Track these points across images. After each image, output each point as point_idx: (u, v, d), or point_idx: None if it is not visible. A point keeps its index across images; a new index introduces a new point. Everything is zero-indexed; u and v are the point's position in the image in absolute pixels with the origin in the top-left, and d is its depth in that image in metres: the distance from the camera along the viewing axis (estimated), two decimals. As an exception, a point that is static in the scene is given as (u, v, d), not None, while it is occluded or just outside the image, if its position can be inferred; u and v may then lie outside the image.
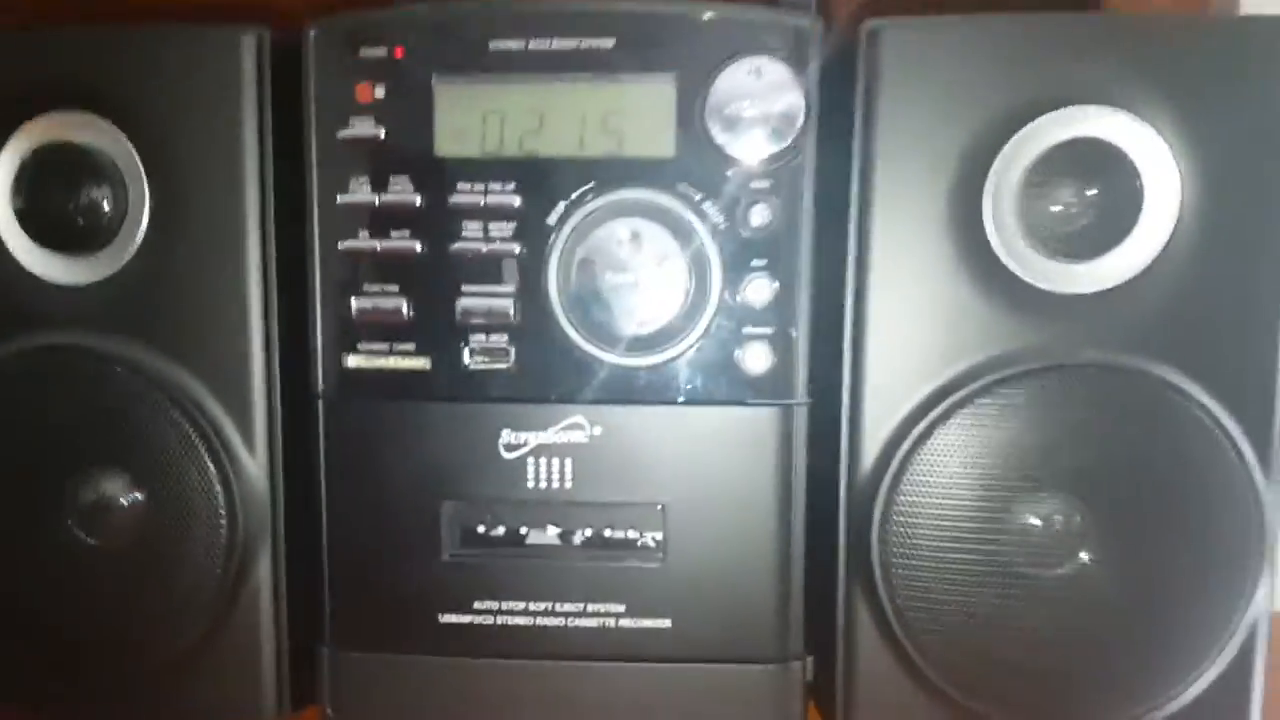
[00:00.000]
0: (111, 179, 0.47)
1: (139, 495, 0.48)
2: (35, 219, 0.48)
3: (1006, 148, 0.42)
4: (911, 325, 0.44)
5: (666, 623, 0.47)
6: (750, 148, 0.44)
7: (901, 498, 0.44)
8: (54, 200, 0.47)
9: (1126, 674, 0.45)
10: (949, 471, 0.44)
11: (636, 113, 0.45)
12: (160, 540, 0.48)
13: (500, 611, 0.48)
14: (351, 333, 0.47)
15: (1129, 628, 0.44)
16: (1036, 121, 0.42)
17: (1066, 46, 0.42)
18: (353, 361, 0.47)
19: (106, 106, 0.47)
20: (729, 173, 0.44)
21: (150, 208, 0.47)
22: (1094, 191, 0.42)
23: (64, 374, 0.48)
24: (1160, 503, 0.43)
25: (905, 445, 0.44)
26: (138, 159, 0.47)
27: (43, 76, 0.47)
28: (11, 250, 0.48)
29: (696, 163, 0.45)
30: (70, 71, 0.47)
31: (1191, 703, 0.45)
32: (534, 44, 0.45)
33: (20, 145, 0.47)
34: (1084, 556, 0.44)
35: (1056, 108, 0.42)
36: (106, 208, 0.47)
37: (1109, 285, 0.43)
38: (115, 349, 0.48)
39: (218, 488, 0.47)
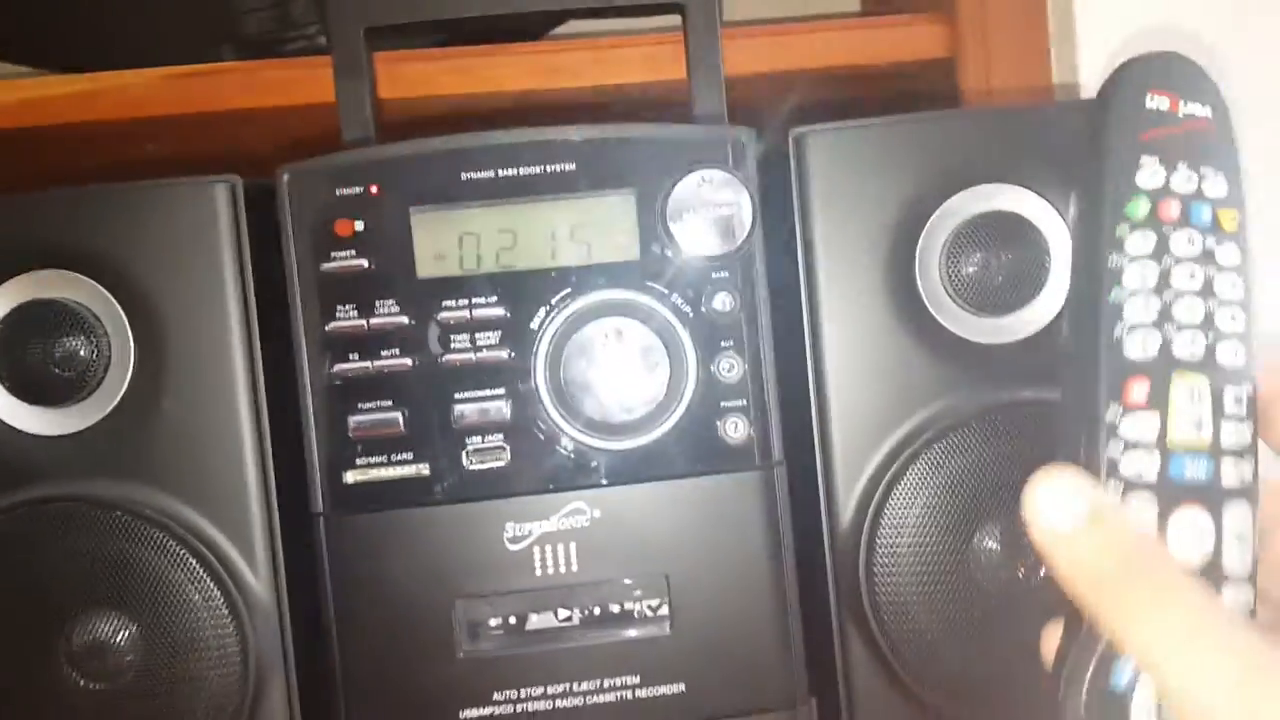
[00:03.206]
0: (94, 330, 0.48)
1: (149, 634, 0.48)
2: (17, 375, 0.48)
3: (929, 223, 0.49)
4: (867, 383, 0.50)
5: (680, 687, 0.50)
6: (708, 245, 0.49)
7: (881, 539, 0.49)
8: (37, 356, 0.48)
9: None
10: (919, 511, 0.49)
11: (602, 224, 0.50)
12: (176, 675, 0.48)
13: (520, 700, 0.50)
14: (349, 449, 0.49)
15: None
16: (949, 201, 0.49)
17: (964, 135, 0.50)
18: (351, 477, 0.49)
19: (86, 263, 0.48)
20: (690, 268, 0.50)
21: (135, 354, 0.49)
22: (1007, 255, 0.49)
23: (60, 524, 0.48)
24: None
25: (878, 492, 0.50)
26: (120, 309, 0.49)
27: (20, 238, 0.48)
28: (-6, 409, 0.48)
29: (660, 262, 0.50)
30: (47, 232, 0.48)
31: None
32: (502, 172, 0.50)
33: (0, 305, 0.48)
34: (1038, 571, 0.50)
35: (965, 188, 0.49)
36: (90, 358, 0.48)
37: (1029, 333, 0.50)
38: (110, 493, 0.48)
39: (226, 615, 0.48)
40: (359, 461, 0.49)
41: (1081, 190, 0.33)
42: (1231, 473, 0.31)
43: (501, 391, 0.49)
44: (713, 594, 0.50)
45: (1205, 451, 0.31)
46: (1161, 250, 0.31)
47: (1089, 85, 0.57)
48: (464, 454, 0.49)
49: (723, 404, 0.50)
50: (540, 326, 0.49)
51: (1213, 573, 0.30)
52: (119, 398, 0.49)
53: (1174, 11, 0.59)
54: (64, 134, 0.61)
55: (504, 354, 0.49)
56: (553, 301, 0.49)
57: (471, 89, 0.61)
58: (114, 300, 0.48)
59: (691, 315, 0.50)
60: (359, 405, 0.49)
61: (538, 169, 0.50)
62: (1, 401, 0.48)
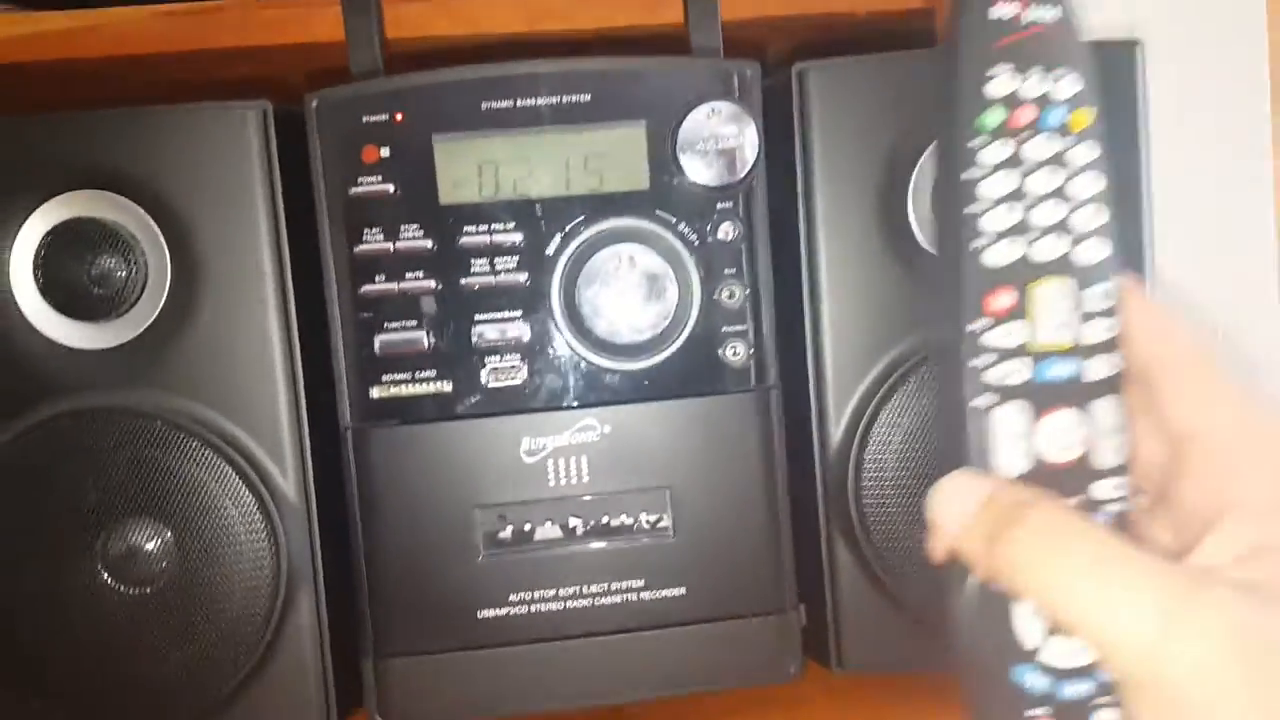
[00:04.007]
0: (132, 249, 0.51)
1: (185, 538, 0.51)
2: (60, 292, 0.51)
3: (923, 158, 0.52)
4: (859, 310, 0.53)
5: (681, 590, 0.54)
6: (715, 176, 0.52)
7: (869, 457, 0.53)
8: (77, 273, 0.51)
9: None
10: (904, 430, 0.53)
11: (614, 154, 0.52)
12: (211, 576, 0.51)
13: (534, 601, 0.53)
14: (375, 366, 0.52)
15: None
16: (942, 137, 0.52)
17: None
18: (377, 392, 0.52)
19: (123, 184, 0.51)
20: (698, 198, 0.53)
21: (171, 271, 0.51)
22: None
23: (99, 432, 0.51)
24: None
25: (867, 413, 0.53)
26: (157, 229, 0.51)
27: (61, 158, 0.50)
28: (37, 324, 0.51)
29: (669, 192, 0.52)
30: (87, 152, 0.50)
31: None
32: (520, 102, 0.52)
33: (42, 223, 0.50)
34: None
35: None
36: (128, 275, 0.51)
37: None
38: (148, 404, 0.51)
39: (259, 518, 0.51)
40: (385, 378, 0.52)
41: (937, 111, 0.32)
42: (1099, 368, 0.32)
43: (519, 313, 0.52)
44: (712, 506, 0.54)
45: (1071, 352, 0.31)
46: (1016, 159, 0.31)
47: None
48: (483, 372, 0.52)
49: (724, 329, 0.53)
50: (555, 252, 0.52)
51: (1089, 468, 0.31)
52: (156, 313, 0.51)
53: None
54: (55, 70, 0.62)
55: (521, 278, 0.52)
56: (567, 228, 0.52)
57: (462, 30, 0.63)
58: (150, 220, 0.51)
59: (697, 243, 0.53)
60: (385, 325, 0.52)
61: (554, 100, 0.52)
62: (43, 316, 0.51)
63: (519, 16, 0.63)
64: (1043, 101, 0.32)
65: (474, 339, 0.52)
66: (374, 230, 0.52)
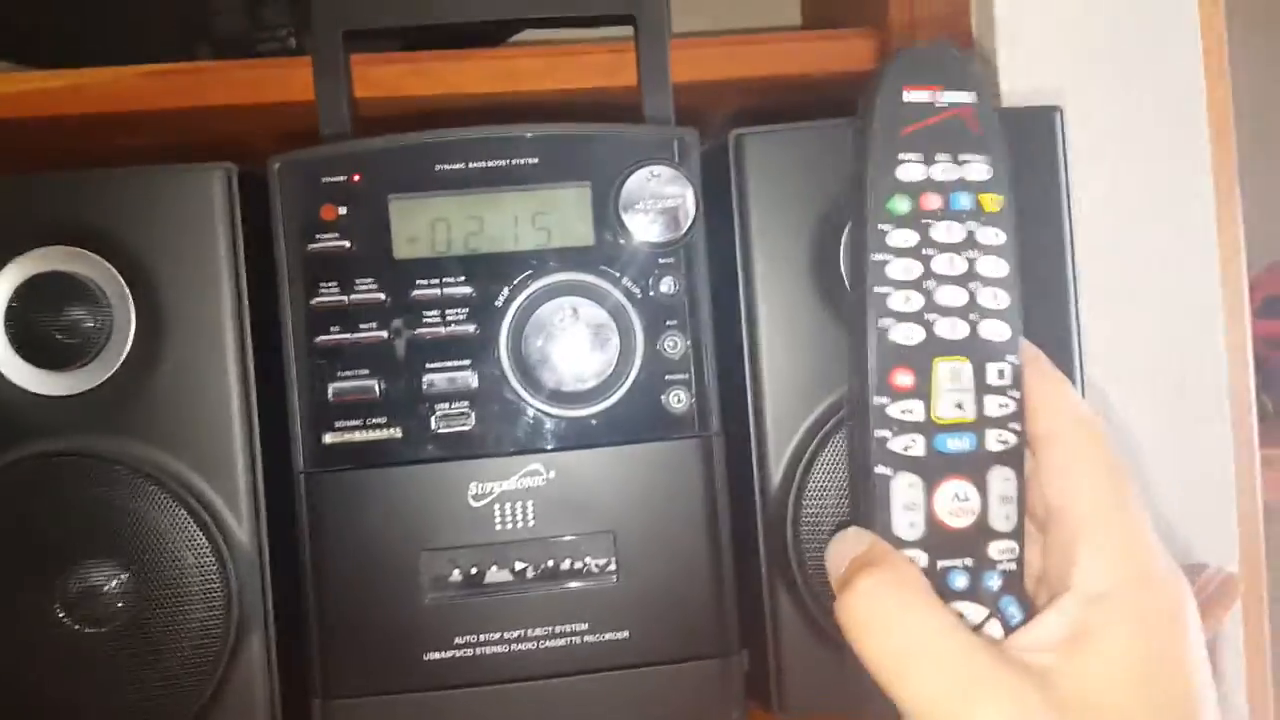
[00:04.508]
0: (99, 301, 0.53)
1: (141, 580, 0.53)
2: (27, 342, 0.53)
3: (852, 217, 0.55)
4: (795, 361, 0.56)
5: (625, 634, 0.55)
6: (655, 234, 0.55)
7: (806, 503, 0.55)
8: (45, 323, 0.53)
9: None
10: (840, 476, 0.55)
11: (560, 212, 0.55)
12: (164, 618, 0.53)
13: (478, 644, 0.54)
14: (329, 413, 0.54)
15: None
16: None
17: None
18: (330, 438, 0.54)
19: (94, 240, 0.53)
20: (640, 254, 0.55)
21: (136, 323, 0.53)
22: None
23: (64, 476, 0.53)
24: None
25: (804, 459, 0.55)
26: (123, 283, 0.53)
27: (34, 216, 0.53)
28: (4, 371, 0.53)
29: (613, 248, 0.55)
30: (59, 211, 0.53)
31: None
32: (472, 164, 0.55)
33: (13, 276, 0.53)
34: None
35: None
36: (95, 326, 0.53)
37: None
38: (110, 449, 0.53)
39: (213, 562, 0.53)
40: (337, 424, 0.54)
41: (849, 189, 0.34)
42: (994, 441, 0.33)
43: (468, 363, 0.55)
44: (655, 551, 0.55)
45: (968, 426, 0.33)
46: (924, 242, 0.33)
47: (1009, 96, 0.63)
48: (433, 419, 0.54)
49: (667, 377, 0.55)
50: (503, 304, 0.55)
51: (982, 532, 0.33)
52: (120, 363, 0.53)
53: (1087, 32, 0.65)
54: (44, 126, 0.66)
55: (470, 329, 0.55)
56: (515, 282, 0.55)
57: (435, 91, 0.67)
58: (118, 274, 0.53)
59: (640, 297, 0.55)
60: (339, 373, 0.54)
61: (504, 162, 0.55)
62: (12, 365, 0.53)
63: (488, 78, 0.66)
64: (952, 186, 0.33)
65: (425, 387, 0.54)
66: (330, 284, 0.54)
